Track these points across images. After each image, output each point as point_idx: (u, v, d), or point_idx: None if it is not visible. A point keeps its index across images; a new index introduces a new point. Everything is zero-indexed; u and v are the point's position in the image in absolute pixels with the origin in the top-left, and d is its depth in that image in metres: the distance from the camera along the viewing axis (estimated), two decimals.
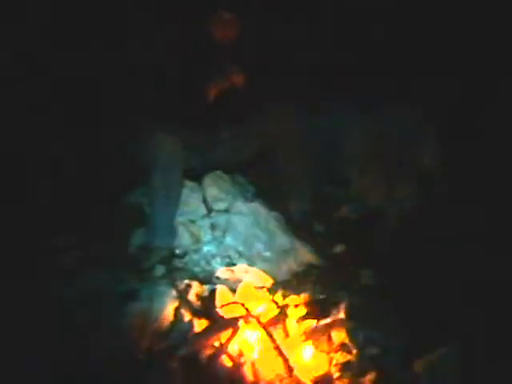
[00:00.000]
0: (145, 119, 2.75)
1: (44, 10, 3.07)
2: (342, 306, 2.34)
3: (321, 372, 2.14)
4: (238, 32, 2.71)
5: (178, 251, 2.78)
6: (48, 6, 3.05)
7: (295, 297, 2.42)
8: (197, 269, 2.70)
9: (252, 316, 2.20)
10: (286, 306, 2.34)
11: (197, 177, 2.93)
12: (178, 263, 2.73)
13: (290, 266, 2.70)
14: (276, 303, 2.35)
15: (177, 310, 2.38)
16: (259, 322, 2.18)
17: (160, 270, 2.66)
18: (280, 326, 2.25)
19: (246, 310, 2.22)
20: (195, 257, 2.75)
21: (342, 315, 2.31)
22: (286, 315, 2.27)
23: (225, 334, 2.16)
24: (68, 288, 2.59)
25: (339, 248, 2.84)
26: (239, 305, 2.27)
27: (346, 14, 3.10)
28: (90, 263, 2.74)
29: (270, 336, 2.14)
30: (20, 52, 3.08)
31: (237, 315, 2.23)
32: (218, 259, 2.72)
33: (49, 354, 2.17)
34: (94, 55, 3.09)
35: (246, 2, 2.70)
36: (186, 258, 2.75)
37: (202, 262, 2.72)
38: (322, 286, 2.56)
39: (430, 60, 3.04)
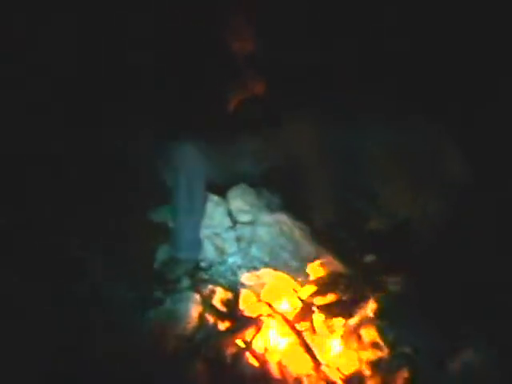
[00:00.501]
0: (168, 133, 2.76)
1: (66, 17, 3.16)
2: (371, 306, 2.25)
3: (351, 370, 2.03)
4: (258, 43, 2.73)
5: (203, 264, 2.74)
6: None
7: (322, 297, 2.33)
8: (222, 280, 2.64)
9: (277, 313, 2.13)
10: (313, 303, 2.25)
11: (221, 190, 2.90)
12: (203, 275, 2.67)
13: (317, 274, 2.61)
14: (302, 300, 2.27)
15: (201, 314, 2.32)
16: (284, 319, 2.12)
17: (185, 282, 2.60)
18: (307, 322, 2.17)
19: (270, 307, 2.16)
20: (221, 268, 2.71)
21: (371, 314, 2.22)
22: (312, 312, 2.20)
23: (249, 332, 2.10)
24: (94, 298, 2.56)
25: (367, 258, 2.75)
26: (264, 304, 2.20)
27: (368, 26, 3.13)
28: (115, 277, 2.69)
29: (296, 332, 2.07)
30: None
31: (261, 313, 2.16)
32: (244, 270, 2.65)
33: (78, 356, 2.18)
34: (117, 67, 3.15)
35: (266, 13, 2.74)
36: (212, 270, 2.71)
37: (228, 274, 2.67)
38: (349, 290, 2.45)
39: (453, 71, 3.03)
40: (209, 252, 2.78)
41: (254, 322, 2.13)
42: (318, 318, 2.21)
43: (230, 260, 2.74)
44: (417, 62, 3.09)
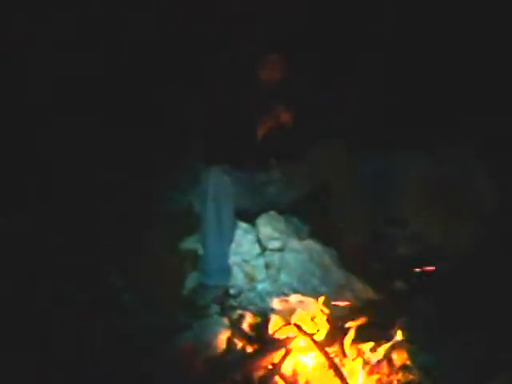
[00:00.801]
0: (198, 160, 2.81)
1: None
2: (402, 330, 2.21)
3: None
4: (284, 72, 2.79)
5: (232, 291, 2.74)
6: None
7: (352, 321, 2.31)
8: (251, 307, 2.64)
9: (306, 335, 2.11)
10: (343, 326, 2.23)
11: (250, 218, 2.93)
12: (232, 302, 2.67)
13: (346, 300, 2.59)
14: (332, 324, 2.25)
15: (229, 338, 2.31)
16: (313, 341, 2.09)
17: (214, 309, 2.61)
18: (336, 346, 2.14)
19: (299, 329, 2.14)
20: (250, 295, 2.71)
21: (401, 338, 2.18)
22: (342, 335, 2.17)
23: (278, 355, 2.08)
24: (124, 323, 2.58)
25: (397, 284, 2.72)
26: (293, 326, 2.18)
27: (396, 52, 3.17)
28: (143, 303, 2.72)
29: (325, 354, 2.05)
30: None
31: (290, 336, 2.15)
32: (273, 296, 2.64)
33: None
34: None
35: (293, 42, 2.80)
36: (241, 297, 2.71)
37: (257, 300, 2.67)
38: (379, 315, 2.43)
39: (481, 97, 3.04)
40: (238, 279, 2.78)
41: (283, 345, 2.10)
42: (348, 341, 2.16)
43: (259, 287, 2.74)
44: (447, 90, 3.10)
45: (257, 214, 2.95)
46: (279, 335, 2.20)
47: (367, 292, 2.64)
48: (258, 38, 2.81)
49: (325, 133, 2.80)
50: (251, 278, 2.77)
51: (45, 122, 3.25)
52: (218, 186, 2.70)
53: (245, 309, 2.60)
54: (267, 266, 2.80)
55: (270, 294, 2.66)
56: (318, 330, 2.21)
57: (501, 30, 3.03)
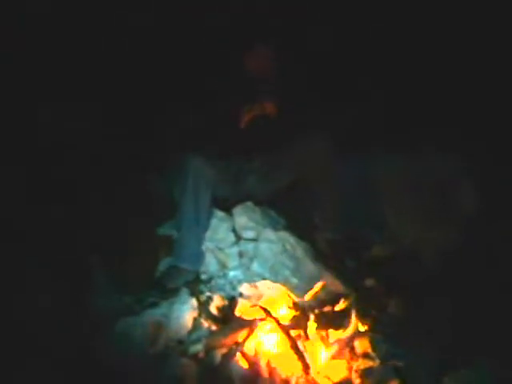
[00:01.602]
0: (176, 147, 2.83)
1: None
2: (367, 319, 2.23)
3: (340, 377, 2.01)
4: (272, 63, 2.82)
5: (203, 276, 2.75)
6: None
7: (319, 308, 2.33)
8: (221, 293, 2.64)
9: (271, 317, 2.13)
10: (308, 311, 2.25)
11: (227, 207, 2.94)
12: (202, 287, 2.68)
13: (316, 293, 2.60)
14: (297, 308, 2.26)
15: (196, 318, 2.32)
16: (277, 323, 2.11)
17: (184, 291, 2.61)
18: (300, 329, 2.16)
19: (265, 310, 2.16)
20: (221, 282, 2.71)
21: (365, 327, 2.20)
22: (307, 319, 2.18)
23: (241, 334, 2.09)
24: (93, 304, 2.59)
25: (368, 282, 2.74)
26: (259, 308, 2.20)
27: (386, 53, 3.22)
28: (116, 283, 2.72)
29: (288, 335, 2.06)
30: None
31: (255, 317, 2.16)
32: (244, 284, 2.65)
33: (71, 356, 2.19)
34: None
35: (282, 34, 2.84)
36: (212, 283, 2.71)
37: (227, 287, 2.67)
38: (347, 306, 2.44)
39: (468, 102, 3.08)
40: (210, 265, 2.79)
41: (247, 325, 2.12)
42: (313, 326, 2.18)
43: (231, 274, 2.74)
44: (431, 92, 3.14)
45: (234, 204, 2.95)
46: (245, 316, 2.20)
47: (337, 286, 2.64)
48: (247, 29, 2.82)
49: (309, 127, 2.80)
50: (223, 265, 2.78)
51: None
52: (198, 172, 2.71)
53: (214, 294, 2.59)
54: (240, 255, 2.81)
55: (241, 282, 2.65)
56: (283, 314, 2.20)
57: (487, 36, 3.08)
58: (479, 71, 3.11)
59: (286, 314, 2.25)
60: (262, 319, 2.14)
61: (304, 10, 3.04)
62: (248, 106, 2.81)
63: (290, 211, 3.02)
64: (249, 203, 2.96)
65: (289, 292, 2.45)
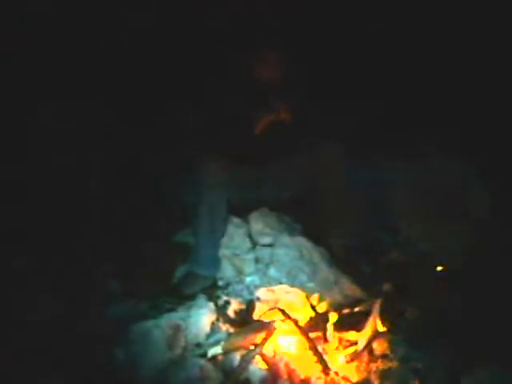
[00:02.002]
0: (193, 154, 2.85)
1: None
2: (385, 321, 2.23)
3: (359, 378, 2.00)
4: (285, 70, 2.85)
5: (220, 282, 2.75)
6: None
7: (337, 311, 2.33)
8: (238, 298, 2.64)
9: (289, 318, 2.13)
10: (327, 313, 2.25)
11: (243, 213, 2.96)
12: (219, 293, 2.69)
13: (334, 297, 2.60)
14: (316, 311, 2.26)
15: (214, 322, 2.33)
16: (296, 324, 2.11)
17: (201, 298, 2.62)
18: (319, 332, 2.16)
19: (283, 312, 2.16)
20: (238, 287, 2.72)
21: (384, 329, 2.20)
22: (326, 322, 2.19)
23: (260, 336, 2.10)
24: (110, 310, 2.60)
25: (386, 287, 2.73)
26: (277, 310, 2.20)
27: (393, 59, 3.24)
28: (133, 291, 2.74)
29: (307, 336, 2.06)
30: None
31: (274, 319, 2.16)
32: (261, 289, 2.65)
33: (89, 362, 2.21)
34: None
35: (295, 41, 2.86)
36: (229, 289, 2.72)
37: (245, 293, 2.68)
38: (365, 309, 2.44)
39: (478, 109, 3.09)
40: (227, 271, 2.80)
41: (266, 326, 2.12)
42: (331, 328, 2.18)
43: (248, 279, 2.75)
44: (442, 101, 3.16)
45: (249, 210, 2.96)
46: (263, 319, 2.20)
47: (355, 291, 2.64)
48: (259, 35, 2.85)
49: (321, 134, 2.82)
50: (240, 271, 2.79)
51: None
52: (213, 179, 2.73)
53: (232, 298, 2.60)
54: (257, 261, 2.81)
55: (258, 287, 2.66)
56: (302, 316, 2.20)
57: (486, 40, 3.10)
58: (486, 73, 3.11)
59: (304, 316, 2.23)
60: (280, 321, 2.12)
61: (309, 13, 3.04)
62: (262, 113, 2.81)
63: (305, 217, 3.01)
64: (264, 209, 2.98)
65: (306, 296, 2.43)
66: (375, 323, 2.21)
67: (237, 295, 2.66)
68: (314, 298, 2.47)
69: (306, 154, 2.84)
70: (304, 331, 2.09)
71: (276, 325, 2.12)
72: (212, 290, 2.73)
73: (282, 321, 2.13)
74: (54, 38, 3.31)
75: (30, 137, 3.26)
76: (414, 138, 3.11)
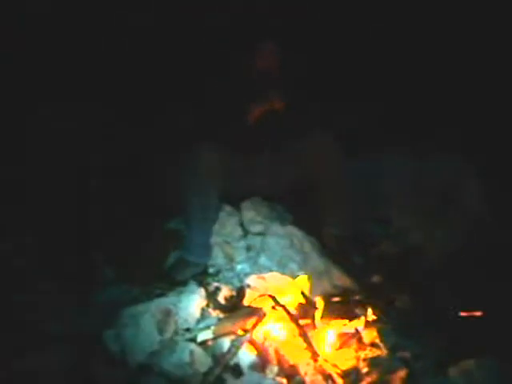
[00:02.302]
0: (186, 142, 2.85)
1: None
2: (375, 310, 2.25)
3: (348, 366, 2.02)
4: (280, 60, 2.85)
5: (211, 269, 2.77)
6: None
7: (326, 298, 2.35)
8: (229, 286, 2.65)
9: (279, 305, 2.14)
10: (316, 301, 2.26)
11: (235, 201, 2.96)
12: (210, 280, 2.70)
13: (323, 287, 2.61)
14: (306, 297, 2.28)
15: (204, 308, 2.34)
16: (286, 311, 2.12)
17: (192, 284, 2.63)
18: (308, 319, 2.17)
19: (273, 298, 2.17)
20: (228, 275, 2.73)
21: (373, 317, 2.22)
22: (315, 309, 2.20)
23: (250, 322, 2.11)
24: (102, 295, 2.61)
25: (376, 278, 2.75)
26: (267, 297, 2.21)
27: (390, 54, 3.25)
28: (126, 277, 2.74)
29: (296, 323, 2.07)
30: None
31: (264, 305, 2.17)
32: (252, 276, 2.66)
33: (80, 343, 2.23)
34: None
35: (291, 30, 2.87)
36: (219, 276, 2.73)
37: (235, 280, 2.69)
38: (355, 299, 2.46)
39: (470, 101, 3.11)
40: (218, 258, 2.82)
41: (256, 312, 2.13)
42: (319, 314, 2.20)
43: (239, 267, 2.76)
44: (438, 92, 3.17)
45: (242, 198, 2.97)
46: (253, 305, 2.21)
47: (345, 281, 2.65)
48: (255, 25, 2.85)
49: (316, 124, 2.83)
50: (231, 259, 2.80)
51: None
52: (206, 167, 2.73)
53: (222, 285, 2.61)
54: (248, 249, 2.83)
55: (248, 275, 2.66)
56: (291, 302, 2.22)
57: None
58: (483, 73, 3.13)
59: (294, 303, 2.25)
60: (270, 307, 2.13)
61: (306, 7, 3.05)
62: (257, 102, 2.82)
63: (298, 206, 3.02)
64: (256, 198, 2.98)
65: (296, 283, 2.44)
66: (365, 312, 2.21)
67: (227, 282, 2.67)
68: (305, 284, 2.46)
69: (300, 143, 2.83)
70: (294, 317, 2.10)
71: (266, 311, 2.11)
72: (203, 277, 2.72)
73: (272, 307, 2.13)
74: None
75: (29, 136, 3.24)
76: (411, 131, 3.12)
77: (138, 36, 3.34)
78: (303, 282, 2.44)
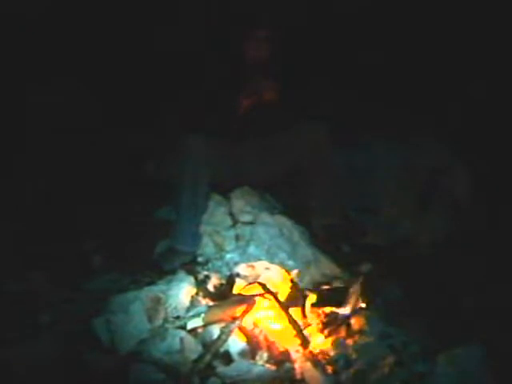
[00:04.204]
0: (175, 131, 2.85)
1: None
2: (364, 298, 2.26)
3: (336, 352, 2.04)
4: (271, 49, 2.85)
5: (200, 258, 2.76)
6: None
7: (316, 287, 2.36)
8: (218, 275, 2.66)
9: (269, 293, 2.15)
10: (306, 289, 2.27)
11: (224, 191, 2.96)
12: (199, 269, 2.70)
13: (312, 276, 2.63)
14: (296, 286, 2.29)
15: (194, 296, 2.34)
16: (276, 298, 2.13)
17: (181, 273, 2.63)
18: (298, 307, 2.19)
19: (263, 287, 2.18)
20: (217, 264, 2.73)
21: (362, 305, 2.23)
22: (304, 297, 2.21)
23: (240, 309, 2.11)
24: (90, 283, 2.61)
25: (364, 267, 2.76)
26: (257, 285, 2.22)
27: (382, 42, 3.26)
28: (115, 266, 2.74)
29: (286, 310, 2.08)
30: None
31: (254, 293, 2.18)
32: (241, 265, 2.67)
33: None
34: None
35: (281, 19, 2.87)
36: (208, 265, 2.73)
37: (224, 269, 2.69)
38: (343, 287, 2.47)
39: (458, 89, 3.13)
40: (207, 247, 2.81)
41: (246, 300, 2.14)
42: (309, 303, 2.21)
43: (228, 256, 2.75)
44: (424, 81, 3.18)
45: (231, 187, 2.97)
46: (243, 293, 2.22)
47: (333, 270, 2.67)
48: (246, 14, 2.85)
49: (306, 114, 2.83)
50: (220, 248, 2.80)
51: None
52: (196, 155, 2.73)
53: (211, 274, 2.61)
54: (237, 238, 2.83)
55: (238, 264, 2.66)
56: (281, 291, 2.23)
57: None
58: (472, 61, 3.14)
59: (283, 291, 2.26)
60: (260, 295, 2.14)
61: None
62: (247, 91, 2.82)
63: (287, 196, 3.03)
64: (246, 187, 2.98)
65: (285, 272, 2.45)
66: (354, 299, 2.23)
67: (216, 271, 2.66)
68: (294, 273, 2.47)
69: (290, 132, 2.84)
70: (283, 305, 2.11)
71: (256, 298, 2.12)
72: (191, 266, 2.72)
73: (262, 295, 2.14)
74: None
75: (20, 119, 3.23)
76: (399, 120, 3.13)
77: (129, 22, 3.30)
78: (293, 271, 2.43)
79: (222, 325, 2.09)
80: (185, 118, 2.89)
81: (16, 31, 3.06)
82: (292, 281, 2.36)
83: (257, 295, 2.15)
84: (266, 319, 2.13)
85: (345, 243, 2.91)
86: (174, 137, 2.89)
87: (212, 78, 2.84)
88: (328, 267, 2.68)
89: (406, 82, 3.21)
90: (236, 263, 2.68)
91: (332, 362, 2.01)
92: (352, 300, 2.24)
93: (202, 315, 2.14)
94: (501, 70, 3.06)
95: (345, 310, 2.22)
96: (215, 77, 2.84)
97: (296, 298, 2.26)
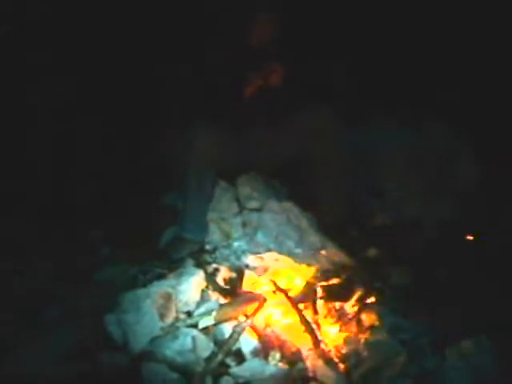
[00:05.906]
0: (182, 118, 2.80)
1: None
2: (373, 293, 2.26)
3: (348, 349, 2.04)
4: (276, 32, 2.78)
5: (208, 246, 2.75)
6: None
7: (325, 280, 2.35)
8: (226, 263, 2.65)
9: (280, 290, 2.15)
10: (316, 284, 2.27)
11: (231, 177, 2.93)
12: (207, 258, 2.69)
13: (321, 264, 2.62)
14: (307, 282, 2.29)
15: (203, 290, 2.34)
16: (287, 296, 2.12)
17: (189, 262, 2.62)
18: (308, 302, 2.18)
19: (274, 283, 2.18)
20: (225, 252, 2.72)
21: (372, 300, 2.23)
22: (316, 293, 2.21)
23: (251, 307, 2.11)
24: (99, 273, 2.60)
25: (372, 252, 2.76)
26: (268, 281, 2.22)
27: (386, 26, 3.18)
28: (122, 256, 2.73)
29: (298, 309, 2.08)
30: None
31: (264, 290, 2.18)
32: (248, 255, 2.66)
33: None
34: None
35: (287, 2, 2.78)
36: (216, 253, 2.72)
37: (232, 257, 2.68)
38: (352, 278, 2.47)
39: (470, 76, 3.07)
40: (214, 235, 2.80)
41: (257, 298, 2.14)
42: (320, 299, 2.21)
43: (235, 244, 2.74)
44: (435, 65, 3.12)
45: (237, 174, 2.93)
46: (254, 289, 2.22)
47: (341, 257, 2.66)
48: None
49: (312, 99, 2.78)
50: (227, 236, 2.79)
51: None
52: (202, 143, 2.69)
53: (219, 264, 2.61)
54: (244, 225, 2.81)
55: (245, 252, 2.66)
56: (291, 287, 2.22)
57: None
58: (480, 47, 3.08)
59: (293, 286, 2.26)
60: (271, 292, 2.14)
61: None
62: (252, 77, 2.76)
63: (293, 182, 3.00)
64: (252, 174, 2.95)
65: (294, 263, 2.45)
66: (363, 294, 2.23)
67: (224, 260, 2.66)
68: (303, 267, 2.47)
69: (296, 117, 2.79)
70: (294, 303, 2.11)
71: (267, 296, 2.12)
72: (199, 255, 2.71)
73: (273, 292, 2.14)
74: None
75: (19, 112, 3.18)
76: (405, 104, 3.08)
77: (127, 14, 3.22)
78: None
79: (234, 323, 2.08)
80: (191, 104, 2.82)
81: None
82: (302, 274, 2.34)
83: (268, 292, 2.14)
84: (278, 317, 2.12)
85: (352, 227, 2.87)
86: (180, 122, 2.84)
87: (218, 64, 2.76)
88: (336, 254, 2.66)
89: (416, 64, 3.13)
90: (244, 251, 2.67)
91: (344, 359, 2.01)
92: (360, 294, 2.23)
93: (214, 313, 2.13)
94: None
95: (354, 305, 2.20)
96: (221, 63, 2.76)
97: (306, 293, 2.25)
